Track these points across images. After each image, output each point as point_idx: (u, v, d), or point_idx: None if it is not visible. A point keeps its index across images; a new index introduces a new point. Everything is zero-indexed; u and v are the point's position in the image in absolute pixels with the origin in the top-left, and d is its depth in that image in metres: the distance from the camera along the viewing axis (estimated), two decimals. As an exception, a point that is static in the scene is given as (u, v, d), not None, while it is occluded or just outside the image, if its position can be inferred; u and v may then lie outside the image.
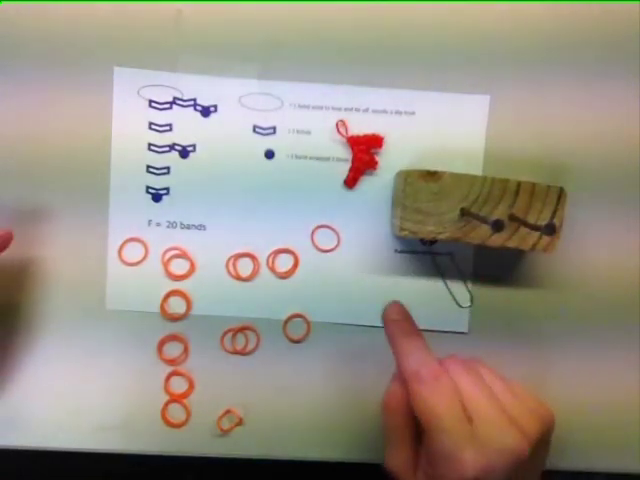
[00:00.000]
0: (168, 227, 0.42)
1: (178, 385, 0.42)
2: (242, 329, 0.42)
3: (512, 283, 0.43)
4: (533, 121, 0.42)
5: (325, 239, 0.42)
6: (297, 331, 0.43)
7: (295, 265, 0.42)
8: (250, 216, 0.42)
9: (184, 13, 0.40)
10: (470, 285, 0.42)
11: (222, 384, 0.42)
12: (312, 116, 0.41)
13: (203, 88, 0.41)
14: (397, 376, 0.35)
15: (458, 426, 0.32)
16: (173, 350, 0.42)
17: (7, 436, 0.41)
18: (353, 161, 0.41)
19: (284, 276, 0.42)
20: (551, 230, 0.35)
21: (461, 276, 0.42)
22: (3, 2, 0.40)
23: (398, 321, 0.37)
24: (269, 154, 0.42)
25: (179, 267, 0.42)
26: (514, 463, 0.32)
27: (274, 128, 0.42)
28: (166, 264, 0.42)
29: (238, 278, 0.42)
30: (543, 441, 0.34)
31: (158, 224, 0.42)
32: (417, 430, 0.34)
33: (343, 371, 0.43)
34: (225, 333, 0.42)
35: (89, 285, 0.42)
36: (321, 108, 0.41)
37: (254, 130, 0.42)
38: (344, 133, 0.41)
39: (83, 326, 0.42)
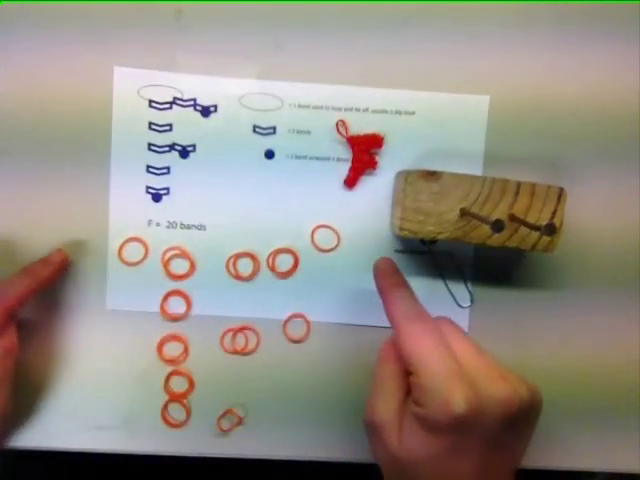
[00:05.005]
0: (168, 227, 0.42)
1: (178, 385, 0.42)
2: (242, 329, 0.42)
3: (512, 283, 0.43)
4: (533, 121, 0.42)
5: (325, 239, 0.42)
6: (297, 331, 0.43)
7: (295, 265, 0.42)
8: (250, 216, 0.42)
9: (184, 13, 0.41)
10: (470, 285, 0.42)
11: (222, 384, 0.42)
12: (312, 116, 0.41)
13: (203, 88, 0.41)
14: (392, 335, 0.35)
15: (448, 362, 0.31)
16: (173, 350, 0.42)
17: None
18: (353, 161, 0.41)
19: (284, 276, 0.42)
20: (551, 230, 0.35)
21: (461, 276, 0.42)
22: (3, 2, 0.40)
23: (388, 274, 0.37)
24: (269, 154, 0.42)
25: (179, 267, 0.42)
26: (503, 414, 0.30)
27: (274, 128, 0.42)
28: (166, 264, 0.42)
29: (238, 278, 0.42)
30: (531, 414, 0.32)
31: (158, 224, 0.42)
32: (405, 385, 0.33)
33: (343, 371, 0.43)
34: (225, 333, 0.42)
35: (89, 285, 0.42)
36: (321, 108, 0.41)
37: (254, 130, 0.42)
38: (344, 133, 0.41)
39: (83, 326, 0.42)
